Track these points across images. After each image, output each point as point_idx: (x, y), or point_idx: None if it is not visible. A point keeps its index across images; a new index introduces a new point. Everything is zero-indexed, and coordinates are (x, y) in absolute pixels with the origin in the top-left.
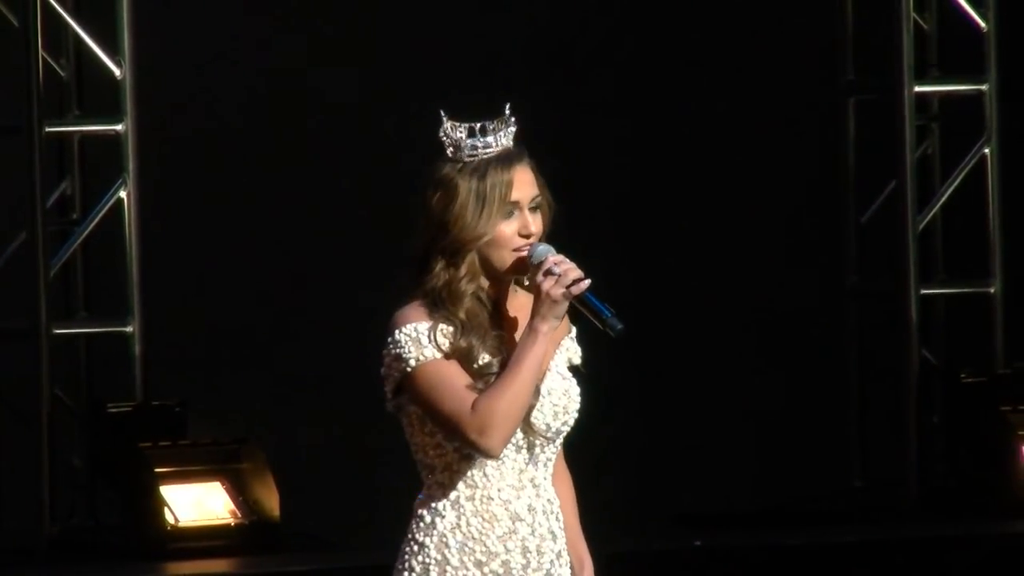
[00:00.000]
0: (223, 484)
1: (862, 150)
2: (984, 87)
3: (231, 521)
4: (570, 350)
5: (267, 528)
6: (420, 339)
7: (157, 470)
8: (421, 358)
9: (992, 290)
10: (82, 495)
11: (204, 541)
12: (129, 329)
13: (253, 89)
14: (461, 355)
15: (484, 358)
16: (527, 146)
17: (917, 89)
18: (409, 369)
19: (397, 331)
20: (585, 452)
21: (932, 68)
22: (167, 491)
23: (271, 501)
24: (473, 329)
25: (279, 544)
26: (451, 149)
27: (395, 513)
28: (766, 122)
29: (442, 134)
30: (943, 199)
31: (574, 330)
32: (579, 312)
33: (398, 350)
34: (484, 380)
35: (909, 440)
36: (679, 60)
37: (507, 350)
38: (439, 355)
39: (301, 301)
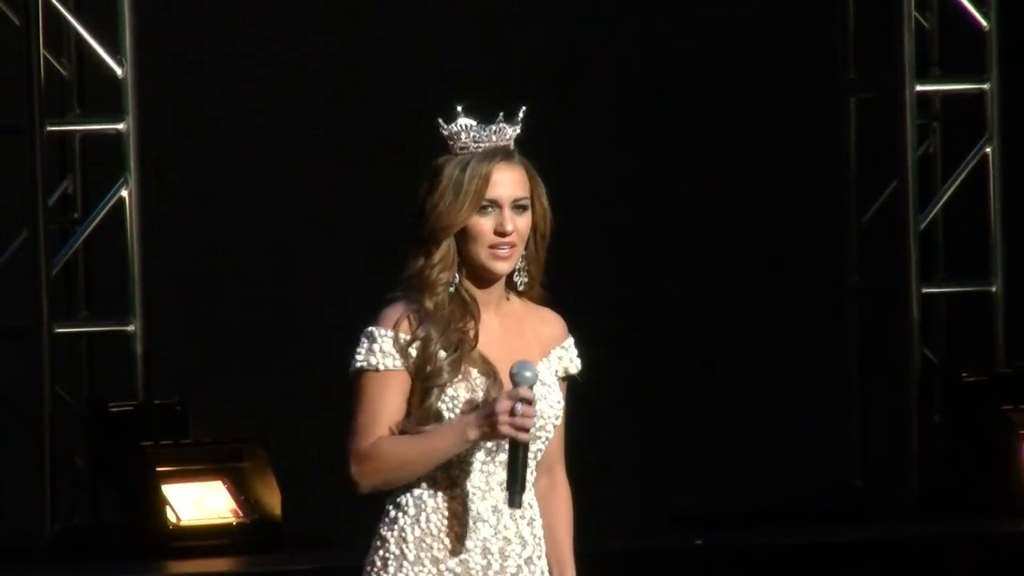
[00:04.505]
0: (224, 483)
1: (863, 149)
2: (985, 86)
3: (232, 520)
4: (563, 359)
5: (269, 527)
6: (373, 345)
7: (158, 469)
8: (366, 364)
9: (993, 289)
10: (83, 494)
11: (205, 540)
12: (130, 328)
13: (254, 88)
14: (420, 346)
15: (439, 353)
16: (530, 146)
17: (918, 88)
18: (354, 369)
19: (367, 328)
20: (585, 451)
21: (933, 67)
22: (168, 490)
23: (272, 500)
24: (436, 321)
25: (281, 543)
26: (449, 141)
27: None
28: (767, 121)
29: (442, 126)
30: (944, 198)
31: (570, 340)
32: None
33: (357, 347)
34: (432, 385)
35: (910, 439)
36: (679, 59)
37: (467, 349)
38: (384, 367)
39: (302, 300)
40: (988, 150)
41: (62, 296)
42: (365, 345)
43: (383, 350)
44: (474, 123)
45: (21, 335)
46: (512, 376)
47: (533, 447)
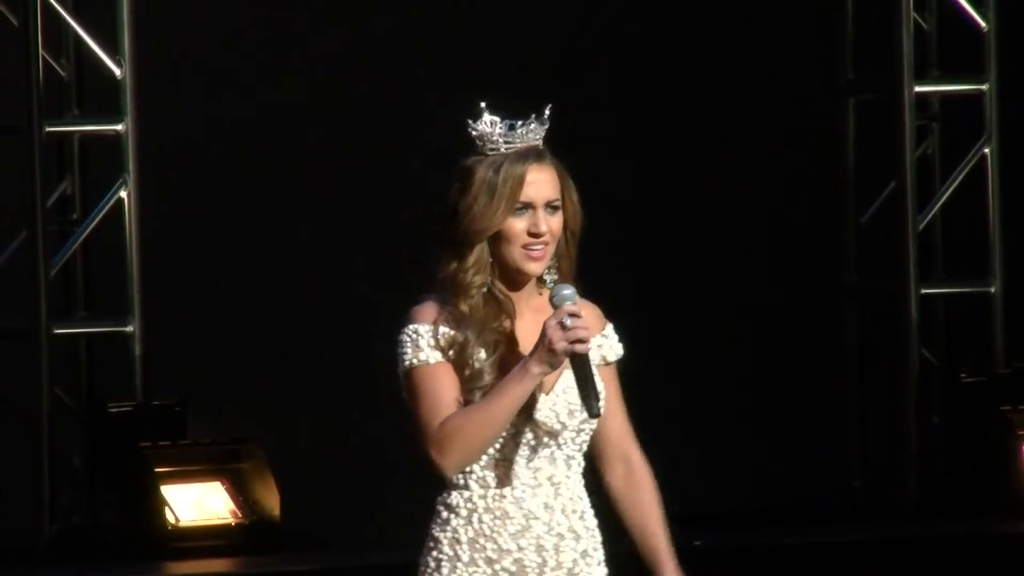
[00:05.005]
0: (223, 484)
1: (862, 150)
2: (984, 87)
3: (231, 521)
4: (603, 347)
5: (267, 528)
6: (418, 341)
7: (157, 470)
8: (415, 361)
9: (992, 290)
10: (82, 495)
11: (204, 541)
12: (129, 329)
13: (253, 88)
14: (458, 352)
15: (480, 354)
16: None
17: (917, 89)
18: (403, 370)
19: (402, 331)
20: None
21: (932, 68)
22: (167, 491)
23: (271, 501)
24: (473, 323)
25: (279, 544)
26: (478, 142)
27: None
28: (766, 122)
29: (471, 126)
30: (943, 199)
31: (609, 327)
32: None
33: (399, 350)
34: (474, 387)
35: (909, 440)
36: (677, 60)
37: (506, 348)
38: (434, 359)
39: (301, 301)
40: (987, 151)
41: (61, 297)
42: (409, 343)
43: (429, 344)
44: (501, 122)
45: (20, 336)
46: (552, 300)
47: (578, 439)
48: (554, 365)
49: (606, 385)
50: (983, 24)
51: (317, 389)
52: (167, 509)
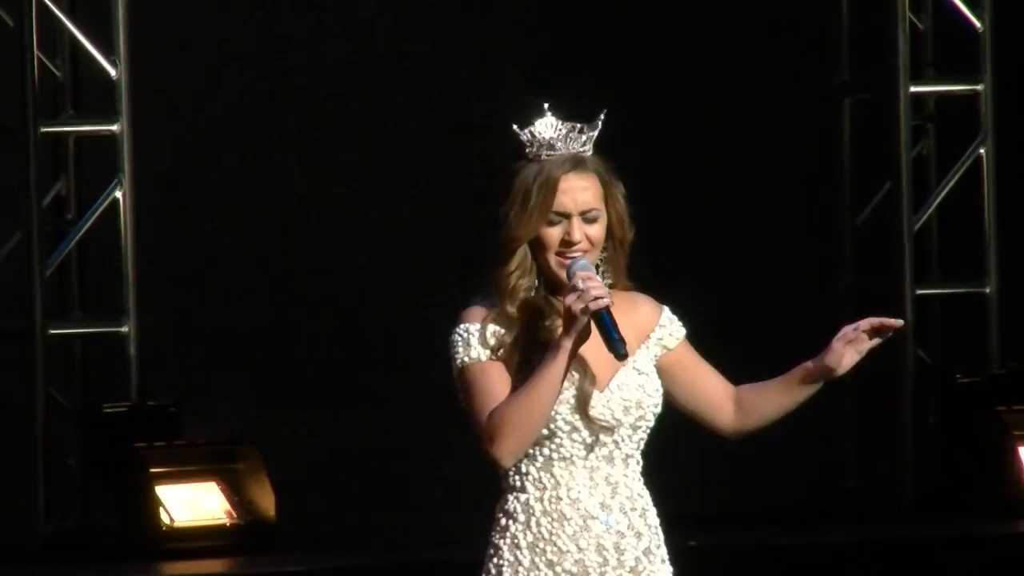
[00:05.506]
0: (218, 484)
1: (858, 150)
2: (980, 87)
3: (226, 521)
4: (664, 338)
5: (263, 528)
6: (469, 340)
7: (152, 470)
8: (467, 359)
9: (987, 290)
10: (77, 495)
11: (199, 541)
12: (124, 329)
13: (248, 89)
14: (508, 353)
15: (528, 354)
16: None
17: (913, 89)
18: (456, 370)
19: (454, 331)
20: None
21: (928, 68)
22: (162, 491)
23: (266, 501)
24: (520, 324)
25: (275, 544)
26: (525, 148)
27: (392, 512)
28: (761, 122)
29: (517, 132)
30: (939, 199)
31: (665, 312)
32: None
33: (451, 350)
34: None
35: (904, 440)
36: (673, 60)
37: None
38: (485, 357)
39: (297, 301)
40: (982, 151)
41: (56, 297)
42: (460, 343)
43: (479, 343)
44: (548, 128)
45: (15, 336)
46: (568, 274)
47: (635, 437)
48: (578, 326)
49: (682, 362)
50: (978, 25)
51: (313, 389)
52: (162, 509)
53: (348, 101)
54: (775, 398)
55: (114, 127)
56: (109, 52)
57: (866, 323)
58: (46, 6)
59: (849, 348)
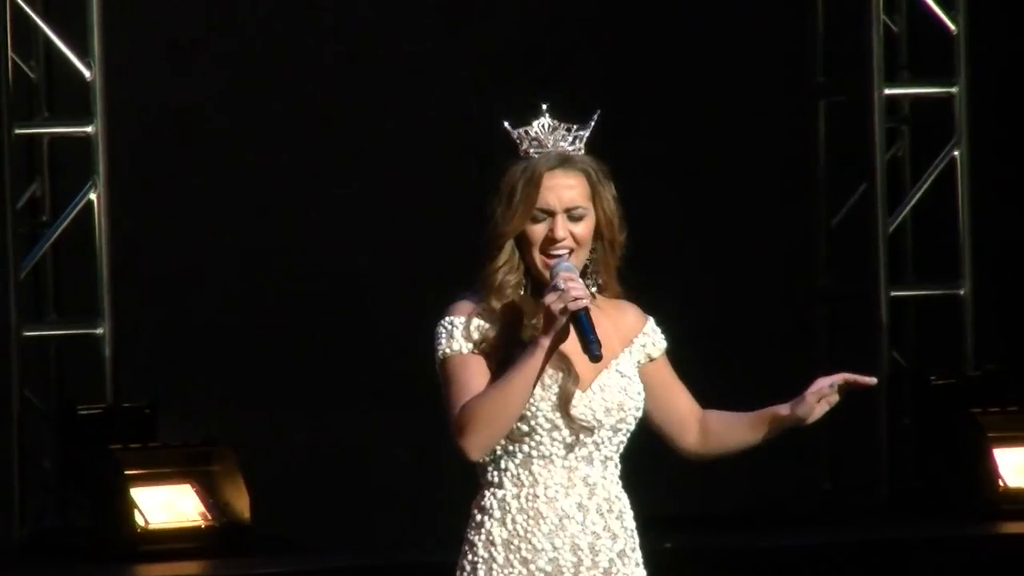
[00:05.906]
0: (193, 486)
1: (832, 152)
2: (954, 89)
3: (201, 523)
4: (646, 345)
5: (238, 530)
6: (453, 332)
7: (127, 472)
8: (448, 351)
9: (962, 292)
10: (52, 497)
11: (174, 543)
12: (99, 331)
13: (224, 90)
14: (490, 347)
15: (511, 350)
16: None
17: (887, 91)
18: (438, 361)
19: (439, 323)
20: None
21: (902, 70)
22: (137, 493)
23: (241, 503)
24: (507, 321)
25: (250, 546)
26: (517, 145)
27: (366, 515)
28: (736, 124)
29: (508, 130)
30: (913, 201)
31: (650, 323)
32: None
33: (435, 341)
34: None
35: (879, 442)
36: (648, 62)
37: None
38: (467, 350)
39: (272, 302)
40: (957, 153)
41: (31, 299)
42: (444, 335)
43: (462, 336)
44: (538, 127)
45: None
46: (551, 275)
47: (615, 439)
48: (557, 326)
49: (659, 375)
50: (953, 27)
51: (288, 391)
52: (137, 511)
53: (330, 104)
54: (740, 433)
55: (89, 129)
56: (83, 53)
57: (840, 378)
58: (20, 7)
59: (822, 402)
